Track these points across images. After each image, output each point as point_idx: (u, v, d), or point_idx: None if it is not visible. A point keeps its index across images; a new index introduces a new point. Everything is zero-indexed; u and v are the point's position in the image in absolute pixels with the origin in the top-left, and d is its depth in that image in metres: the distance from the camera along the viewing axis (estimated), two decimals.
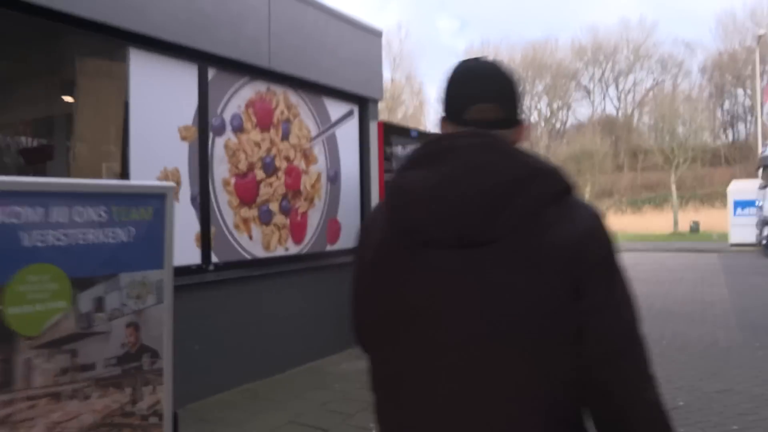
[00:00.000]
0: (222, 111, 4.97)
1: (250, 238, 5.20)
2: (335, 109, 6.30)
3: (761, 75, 38.78)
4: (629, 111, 44.74)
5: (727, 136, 42.32)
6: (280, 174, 5.54)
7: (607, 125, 42.73)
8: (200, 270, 4.74)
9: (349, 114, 6.53)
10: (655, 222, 31.31)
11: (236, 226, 5.07)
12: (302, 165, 5.81)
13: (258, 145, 5.29)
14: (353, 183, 6.57)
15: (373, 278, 1.11)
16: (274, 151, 5.46)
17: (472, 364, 0.99)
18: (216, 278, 4.81)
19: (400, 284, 1.05)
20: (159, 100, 4.46)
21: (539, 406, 0.98)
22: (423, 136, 6.38)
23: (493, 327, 0.98)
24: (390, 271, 1.07)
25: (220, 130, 4.95)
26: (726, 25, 42.40)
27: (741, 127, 42.65)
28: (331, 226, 6.16)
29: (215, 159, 4.90)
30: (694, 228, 31.50)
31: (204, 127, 4.79)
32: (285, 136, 5.60)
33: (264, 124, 5.36)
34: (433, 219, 1.02)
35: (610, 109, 46.25)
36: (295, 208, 5.71)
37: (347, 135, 6.48)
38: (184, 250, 4.62)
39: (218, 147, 4.93)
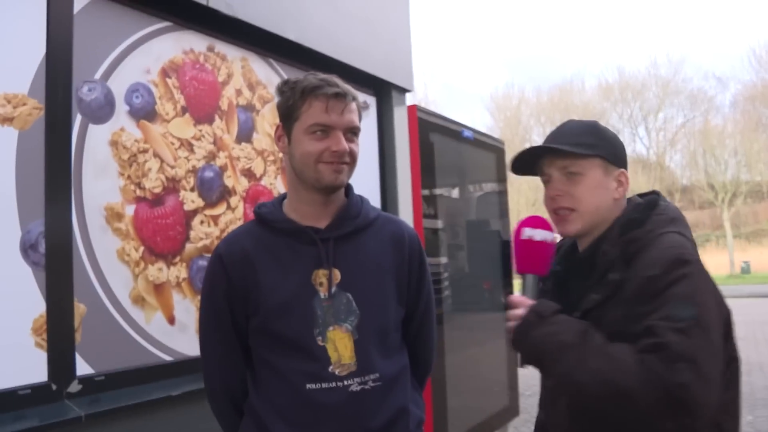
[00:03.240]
0: (106, 75, 2.47)
1: (170, 321, 2.62)
2: None
3: None
4: (660, 149, 41.93)
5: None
6: (235, 200, 2.98)
7: (638, 164, 40.02)
8: (47, 396, 2.17)
9: (363, 107, 3.99)
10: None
11: (137, 300, 2.50)
12: (279, 186, 3.26)
13: (187, 145, 2.76)
14: None
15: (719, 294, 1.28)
16: (222, 158, 2.92)
17: None
18: (89, 410, 2.22)
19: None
20: None
21: None
22: (482, 138, 3.85)
23: None
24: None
25: (100, 112, 2.43)
26: (760, 57, 39.67)
27: None
28: None
29: (88, 165, 2.37)
30: (746, 269, 29.14)
31: (60, 101, 2.29)
32: (245, 135, 3.07)
33: (201, 110, 2.84)
34: None
35: (640, 149, 43.48)
36: None
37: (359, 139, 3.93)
38: (5, 356, 2.07)
39: (96, 142, 2.40)
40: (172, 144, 2.67)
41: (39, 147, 2.21)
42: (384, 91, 4.13)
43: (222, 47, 2.97)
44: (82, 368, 2.28)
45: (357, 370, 1.39)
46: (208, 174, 2.83)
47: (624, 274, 1.28)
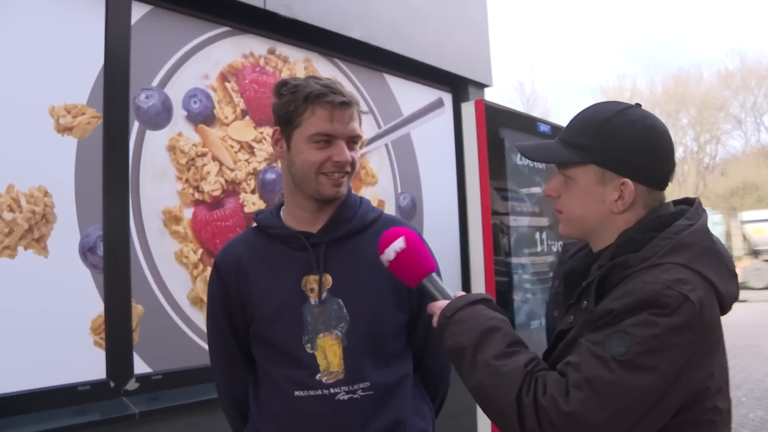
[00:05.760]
0: (164, 82, 2.45)
1: None
2: (410, 94, 3.58)
3: None
4: None
5: None
6: None
7: (761, 155, 35.92)
8: (106, 393, 2.17)
9: (436, 105, 3.77)
10: None
11: (195, 302, 2.46)
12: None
13: (248, 148, 2.69)
14: (446, 217, 3.76)
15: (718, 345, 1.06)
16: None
17: None
18: (147, 407, 2.21)
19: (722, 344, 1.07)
20: (13, 51, 2.04)
21: None
22: (557, 132, 3.52)
23: None
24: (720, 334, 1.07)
25: (158, 118, 2.40)
26: None
27: None
28: None
29: (146, 170, 2.36)
30: None
31: (118, 109, 2.28)
32: None
33: (262, 112, 2.76)
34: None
35: (766, 139, 39.08)
36: None
37: (433, 138, 3.71)
38: (66, 354, 2.09)
39: (153, 148, 2.38)
40: (232, 147, 2.61)
41: (97, 154, 2.22)
42: (460, 88, 3.87)
43: (283, 49, 2.87)
44: (140, 367, 2.27)
45: (345, 379, 1.27)
46: (270, 176, 2.75)
47: (594, 304, 1.04)
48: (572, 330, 1.08)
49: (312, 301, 1.29)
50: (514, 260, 3.33)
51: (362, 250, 1.30)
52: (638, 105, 1.13)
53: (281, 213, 1.38)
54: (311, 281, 1.29)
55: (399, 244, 1.15)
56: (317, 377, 1.26)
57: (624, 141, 1.07)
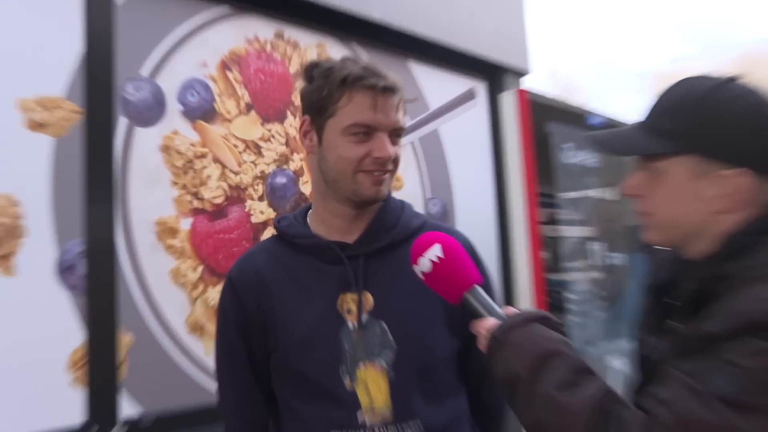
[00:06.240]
0: (155, 71, 2.13)
1: None
2: (438, 84, 3.21)
3: None
4: None
5: None
6: None
7: None
8: None
9: (468, 97, 3.40)
10: None
11: (194, 328, 2.13)
12: None
13: (253, 147, 2.36)
14: (483, 225, 3.39)
15: None
16: (296, 162, 2.50)
17: None
18: None
19: None
20: None
21: None
22: (612, 125, 3.14)
23: None
24: None
25: (149, 113, 2.08)
26: None
27: None
28: None
29: (135, 175, 2.04)
30: None
31: (101, 103, 1.97)
32: None
33: (270, 106, 2.43)
34: None
35: None
36: None
37: (465, 135, 3.34)
38: (38, 395, 1.77)
39: (144, 148, 2.06)
40: (236, 147, 2.28)
41: (77, 156, 1.90)
42: (495, 76, 3.50)
43: (293, 33, 2.53)
44: (128, 408, 1.94)
45: (393, 419, 1.08)
46: (280, 180, 2.41)
47: (687, 324, 0.89)
48: (663, 356, 0.92)
49: (350, 324, 1.11)
50: (561, 277, 2.97)
51: (405, 264, 1.06)
52: (734, 78, 0.95)
53: (308, 219, 1.21)
54: (348, 300, 1.12)
55: (434, 251, 0.99)
56: (359, 417, 1.07)
57: (725, 123, 0.92)
